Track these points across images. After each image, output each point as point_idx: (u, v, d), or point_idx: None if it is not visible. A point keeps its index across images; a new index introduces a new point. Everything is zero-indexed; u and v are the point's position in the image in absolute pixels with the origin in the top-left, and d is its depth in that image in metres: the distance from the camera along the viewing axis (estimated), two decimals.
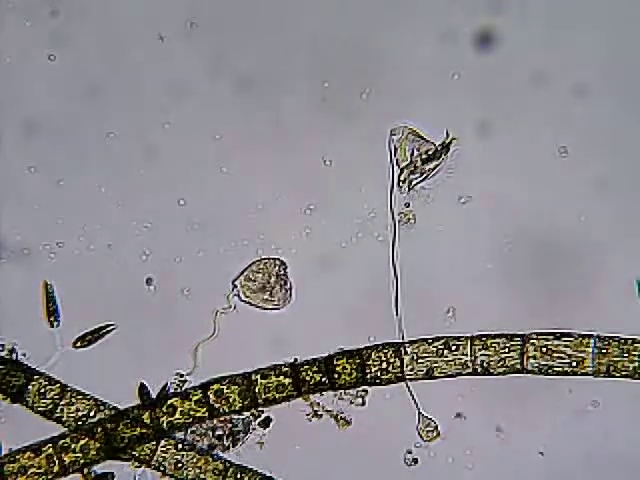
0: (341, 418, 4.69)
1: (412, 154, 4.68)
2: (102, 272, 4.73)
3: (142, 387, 4.64)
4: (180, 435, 4.66)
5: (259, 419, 4.68)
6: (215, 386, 4.64)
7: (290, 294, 4.70)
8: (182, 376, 4.65)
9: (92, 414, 4.64)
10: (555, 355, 4.61)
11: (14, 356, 4.66)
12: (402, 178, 4.69)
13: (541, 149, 4.74)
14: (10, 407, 4.65)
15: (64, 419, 4.64)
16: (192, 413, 4.63)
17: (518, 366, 4.62)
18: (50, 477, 4.61)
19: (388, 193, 4.69)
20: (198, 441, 4.67)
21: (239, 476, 4.67)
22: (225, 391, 4.64)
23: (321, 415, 4.68)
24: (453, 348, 4.63)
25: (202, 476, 4.65)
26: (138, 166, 4.75)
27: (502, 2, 4.72)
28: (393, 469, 4.70)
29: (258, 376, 4.64)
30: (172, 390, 4.66)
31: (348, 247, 4.74)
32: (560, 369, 4.62)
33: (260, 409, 4.67)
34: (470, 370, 4.63)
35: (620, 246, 4.71)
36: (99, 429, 4.62)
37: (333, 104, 4.75)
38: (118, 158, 4.76)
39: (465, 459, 4.70)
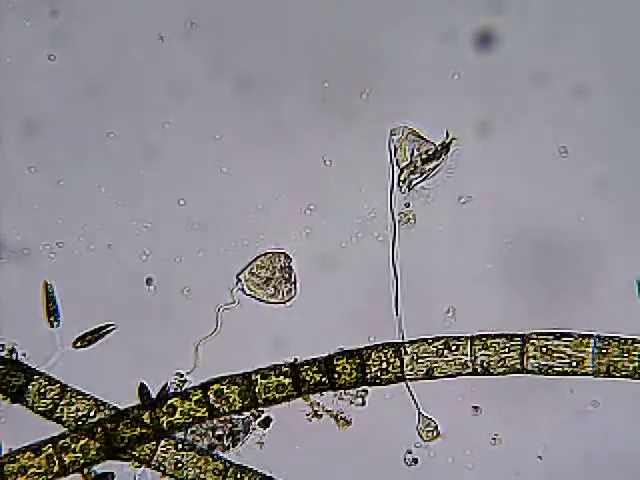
0: (341, 418, 4.69)
1: (412, 154, 4.68)
2: (102, 272, 4.73)
3: (142, 387, 4.64)
4: (180, 435, 4.66)
5: (259, 419, 4.68)
6: (215, 386, 4.64)
7: (295, 288, 4.70)
8: (182, 376, 4.66)
9: (92, 414, 4.64)
10: (555, 355, 4.61)
11: (14, 356, 4.66)
12: (402, 178, 4.69)
13: (541, 149, 4.74)
14: (10, 407, 4.65)
15: (64, 419, 4.64)
16: (192, 413, 4.63)
17: (518, 366, 4.62)
18: (50, 477, 4.61)
19: (388, 193, 4.69)
20: (198, 441, 4.67)
21: (239, 476, 4.67)
22: (225, 391, 4.64)
23: (321, 415, 4.68)
24: (453, 348, 4.63)
25: (202, 476, 4.65)
26: (138, 166, 4.75)
27: (502, 2, 4.72)
28: (393, 469, 4.70)
29: (258, 376, 4.64)
30: (172, 390, 4.66)
31: (348, 247, 4.74)
32: (560, 369, 4.62)
33: (260, 409, 4.67)
34: (470, 370, 4.63)
35: (620, 246, 4.71)
36: (99, 429, 4.62)
37: (333, 104, 4.75)
38: (118, 158, 4.76)
39: (465, 459, 4.70)
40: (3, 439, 4.63)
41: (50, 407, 4.63)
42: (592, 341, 4.60)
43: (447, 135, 4.69)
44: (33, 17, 4.75)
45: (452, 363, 4.63)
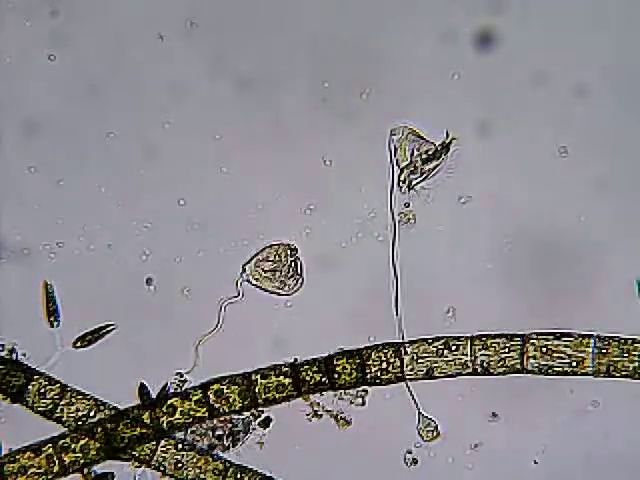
0: (341, 418, 4.69)
1: (412, 154, 4.68)
2: (102, 272, 4.73)
3: (142, 387, 4.64)
4: (180, 435, 4.66)
5: (259, 419, 4.68)
6: (215, 386, 4.64)
7: (301, 279, 4.70)
8: (182, 376, 4.66)
9: (92, 414, 4.64)
10: (555, 355, 4.61)
11: (14, 356, 4.66)
12: (402, 178, 4.69)
13: (541, 149, 4.74)
14: (10, 407, 4.65)
15: (64, 419, 4.64)
16: (192, 413, 4.63)
17: (518, 366, 4.62)
18: (50, 477, 4.61)
19: (388, 193, 4.69)
20: (198, 441, 4.67)
21: (239, 476, 4.67)
22: (225, 391, 4.64)
23: (321, 415, 4.68)
24: (453, 348, 4.63)
25: (202, 476, 4.65)
26: (138, 166, 4.75)
27: (502, 2, 4.72)
28: (393, 469, 4.70)
29: (258, 376, 4.64)
30: (172, 390, 4.66)
31: (348, 247, 4.74)
32: (560, 369, 4.62)
33: (260, 409, 4.67)
34: (470, 370, 4.63)
35: (620, 246, 4.71)
36: (99, 429, 4.62)
37: (333, 104, 4.75)
38: (118, 158, 4.76)
39: (465, 459, 4.70)
40: (3, 439, 4.63)
41: (50, 407, 4.63)
42: (592, 341, 4.60)
43: (447, 135, 4.69)
44: (33, 17, 4.75)
45: (452, 363, 4.63)
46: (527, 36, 4.73)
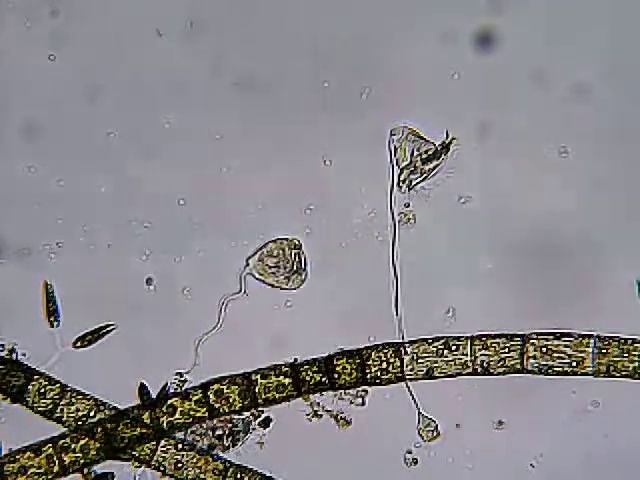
0: (341, 418, 4.69)
1: (412, 154, 4.68)
2: (102, 272, 4.73)
3: (142, 387, 4.64)
4: (180, 435, 4.66)
5: (259, 419, 4.68)
6: (215, 386, 4.64)
7: (305, 274, 4.69)
8: (182, 376, 4.65)
9: (92, 414, 4.64)
10: (555, 355, 4.61)
11: (14, 356, 4.66)
12: (402, 178, 4.69)
13: (541, 149, 4.74)
14: (10, 407, 4.65)
15: (64, 419, 4.64)
16: (192, 413, 4.63)
17: (518, 366, 4.62)
18: (50, 477, 4.61)
19: (388, 193, 4.69)
20: (198, 441, 4.67)
21: (239, 476, 4.67)
22: (225, 391, 4.63)
23: (321, 415, 4.68)
24: (453, 348, 4.63)
25: (202, 476, 4.65)
26: (138, 166, 4.75)
27: (502, 2, 4.72)
28: (393, 469, 4.70)
29: (258, 376, 4.64)
30: (172, 390, 4.66)
31: (348, 247, 4.73)
32: (560, 369, 4.62)
33: (260, 409, 4.67)
34: (470, 370, 4.63)
35: (620, 246, 4.70)
36: (99, 429, 4.62)
37: (333, 104, 4.75)
38: (118, 158, 4.76)
39: (465, 459, 4.70)
40: (3, 439, 4.63)
41: (50, 407, 4.63)
42: (592, 341, 4.60)
43: (447, 135, 4.68)
44: (33, 17, 4.75)
45: (452, 363, 4.63)
46: (527, 36, 4.73)
